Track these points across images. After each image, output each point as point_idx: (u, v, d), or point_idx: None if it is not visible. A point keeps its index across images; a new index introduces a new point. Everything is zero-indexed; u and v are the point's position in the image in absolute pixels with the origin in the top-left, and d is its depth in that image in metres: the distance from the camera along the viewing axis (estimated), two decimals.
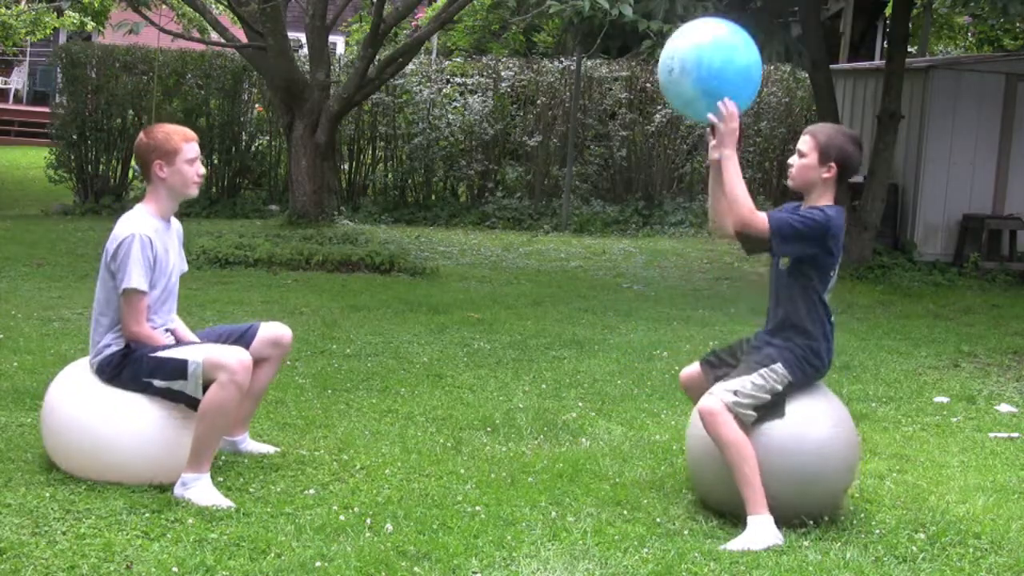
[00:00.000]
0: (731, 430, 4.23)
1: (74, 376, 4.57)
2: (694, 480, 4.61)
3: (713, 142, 4.42)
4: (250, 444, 4.92)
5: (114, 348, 4.45)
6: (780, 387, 4.30)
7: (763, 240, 4.30)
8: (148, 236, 4.41)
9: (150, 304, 4.47)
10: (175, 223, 4.69)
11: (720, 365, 4.53)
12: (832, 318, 4.45)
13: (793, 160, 4.44)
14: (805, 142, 4.41)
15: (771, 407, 4.30)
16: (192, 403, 4.39)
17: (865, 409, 6.33)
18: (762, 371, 4.30)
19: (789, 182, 4.47)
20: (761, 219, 4.26)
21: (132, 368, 4.41)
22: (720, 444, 4.26)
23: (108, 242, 4.45)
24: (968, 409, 6.52)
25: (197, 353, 4.37)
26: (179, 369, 4.35)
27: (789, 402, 4.34)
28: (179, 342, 4.57)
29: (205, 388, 4.35)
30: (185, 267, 4.76)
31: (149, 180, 4.54)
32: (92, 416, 4.39)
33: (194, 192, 4.59)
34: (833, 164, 4.35)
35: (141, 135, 4.58)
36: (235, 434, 4.84)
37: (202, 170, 4.59)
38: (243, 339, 4.70)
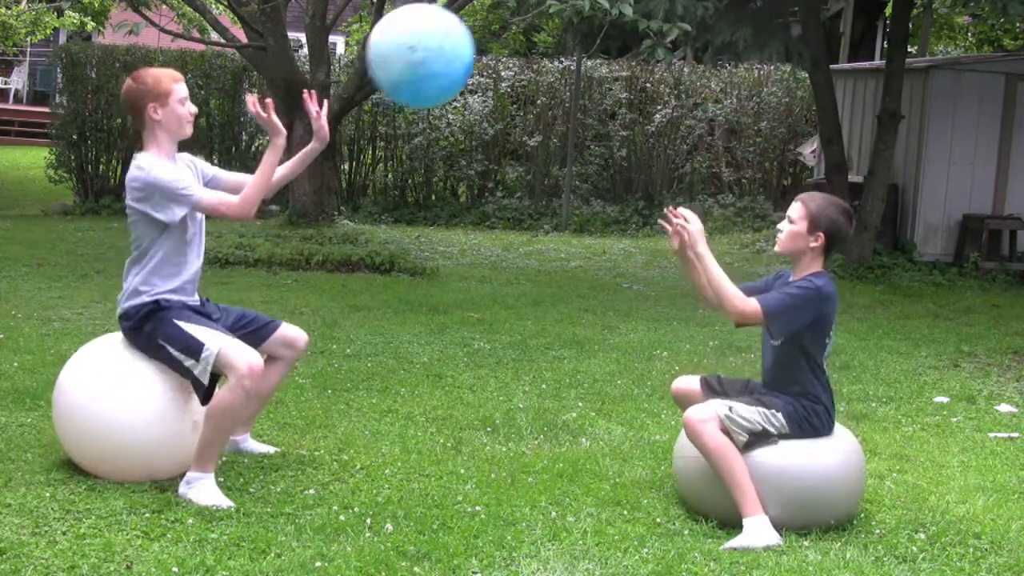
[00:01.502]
0: (713, 437, 4.23)
1: (87, 358, 4.56)
2: (684, 497, 4.59)
3: (671, 235, 4.35)
4: (251, 444, 4.92)
5: (145, 298, 4.43)
6: (775, 433, 4.32)
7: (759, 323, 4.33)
8: (163, 162, 4.41)
9: (189, 239, 4.47)
10: (181, 155, 4.64)
11: (720, 392, 4.53)
12: (830, 385, 4.46)
13: (783, 226, 4.44)
14: (796, 209, 4.41)
15: (763, 437, 4.31)
16: (197, 385, 4.38)
17: (865, 409, 6.33)
18: (763, 410, 4.32)
19: (776, 248, 4.49)
20: (754, 308, 4.26)
21: (154, 325, 4.40)
22: (704, 452, 4.26)
23: (129, 182, 4.42)
24: (968, 409, 6.52)
25: (215, 341, 4.35)
26: (194, 349, 4.34)
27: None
28: (208, 318, 4.54)
29: (212, 377, 4.35)
30: (211, 170, 4.73)
31: (144, 126, 4.50)
32: (98, 402, 4.39)
33: (189, 131, 4.56)
34: (822, 234, 4.36)
35: (129, 81, 4.55)
36: (237, 433, 4.84)
37: (194, 108, 4.57)
38: (263, 330, 4.69)
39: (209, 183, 4.62)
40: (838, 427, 4.51)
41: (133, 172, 4.44)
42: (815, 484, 4.28)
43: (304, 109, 4.75)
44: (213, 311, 4.62)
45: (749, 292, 4.37)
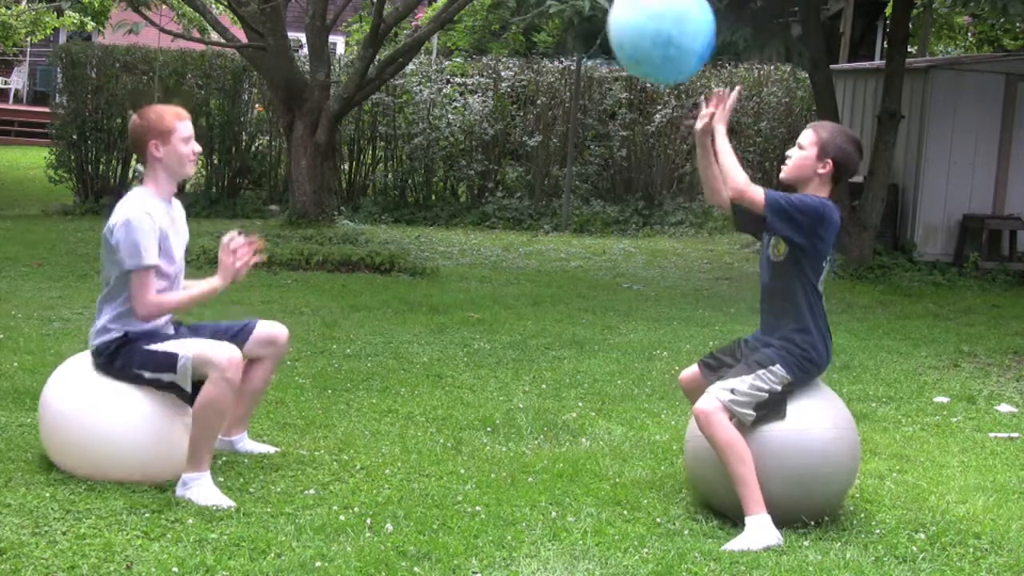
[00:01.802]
0: (725, 430, 4.22)
1: (69, 372, 4.57)
2: (694, 483, 4.60)
3: (704, 114, 4.35)
4: (248, 444, 4.92)
5: (114, 334, 4.44)
6: (779, 387, 4.29)
7: (757, 214, 4.25)
8: (148, 212, 4.40)
9: (166, 287, 4.46)
10: (176, 203, 4.65)
11: (718, 367, 4.52)
12: (824, 308, 4.43)
13: (792, 152, 4.42)
14: (806, 135, 4.40)
15: (771, 408, 4.28)
16: (183, 394, 4.39)
17: (865, 409, 6.32)
18: (760, 372, 4.29)
19: (783, 174, 4.42)
20: (757, 190, 4.23)
21: (124, 358, 4.42)
22: (714, 445, 4.25)
23: (110, 222, 4.41)
24: (968, 409, 6.52)
25: (187, 348, 4.38)
26: (168, 362, 4.36)
27: (790, 403, 4.34)
28: (176, 333, 4.57)
29: (195, 384, 4.36)
30: (187, 237, 4.71)
31: (146, 162, 4.52)
32: (87, 410, 4.40)
33: (191, 171, 4.58)
34: (830, 161, 4.33)
35: (134, 117, 4.57)
36: (232, 434, 4.84)
37: (197, 148, 4.57)
38: (238, 336, 4.68)
39: (164, 252, 4.50)
40: (832, 402, 4.49)
41: (119, 215, 4.41)
42: (813, 459, 4.29)
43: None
44: (185, 333, 4.64)
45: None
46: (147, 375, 4.39)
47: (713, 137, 4.34)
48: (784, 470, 4.27)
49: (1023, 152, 12.58)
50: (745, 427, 4.25)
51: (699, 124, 4.41)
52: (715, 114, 4.35)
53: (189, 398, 4.40)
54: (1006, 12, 10.61)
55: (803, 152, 4.37)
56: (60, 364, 4.71)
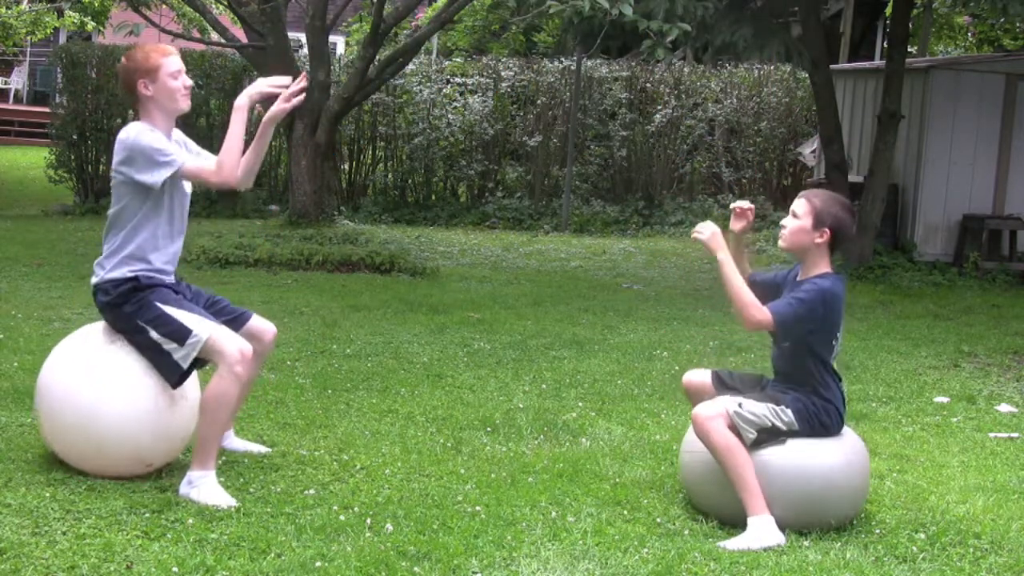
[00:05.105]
0: (721, 434, 4.23)
1: (66, 354, 4.54)
2: (692, 496, 4.59)
3: (700, 234, 4.39)
4: (235, 442, 4.90)
5: (126, 273, 4.38)
6: (784, 428, 4.31)
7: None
8: (152, 126, 4.38)
9: (171, 213, 4.44)
10: (176, 133, 4.61)
11: (732, 387, 4.53)
12: (842, 383, 4.47)
13: (787, 222, 4.44)
14: (800, 205, 4.42)
15: (772, 434, 4.31)
16: (171, 376, 4.35)
17: (865, 409, 6.33)
18: (772, 406, 4.32)
19: (780, 243, 4.47)
20: (766, 316, 4.27)
21: (135, 306, 4.36)
22: (711, 449, 4.26)
23: (116, 145, 4.39)
24: (968, 409, 6.52)
25: (204, 328, 4.33)
26: (180, 333, 4.31)
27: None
28: (193, 301, 4.51)
29: (191, 363, 4.32)
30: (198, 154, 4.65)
31: (138, 101, 4.47)
32: (84, 394, 4.38)
33: (184, 105, 4.51)
34: (827, 230, 4.36)
35: (122, 59, 4.53)
36: None
37: (189, 81, 4.52)
38: (234, 323, 4.62)
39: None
40: (845, 428, 4.51)
41: (120, 135, 4.41)
42: (820, 484, 4.28)
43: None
44: (186, 291, 4.58)
45: (760, 284, 4.42)
46: (153, 334, 4.33)
47: (716, 260, 4.33)
48: (790, 496, 4.25)
49: (1023, 152, 12.59)
50: (745, 444, 4.26)
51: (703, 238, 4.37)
52: (710, 239, 4.32)
53: (174, 380, 4.35)
54: (1006, 12, 10.61)
55: (798, 222, 4.40)
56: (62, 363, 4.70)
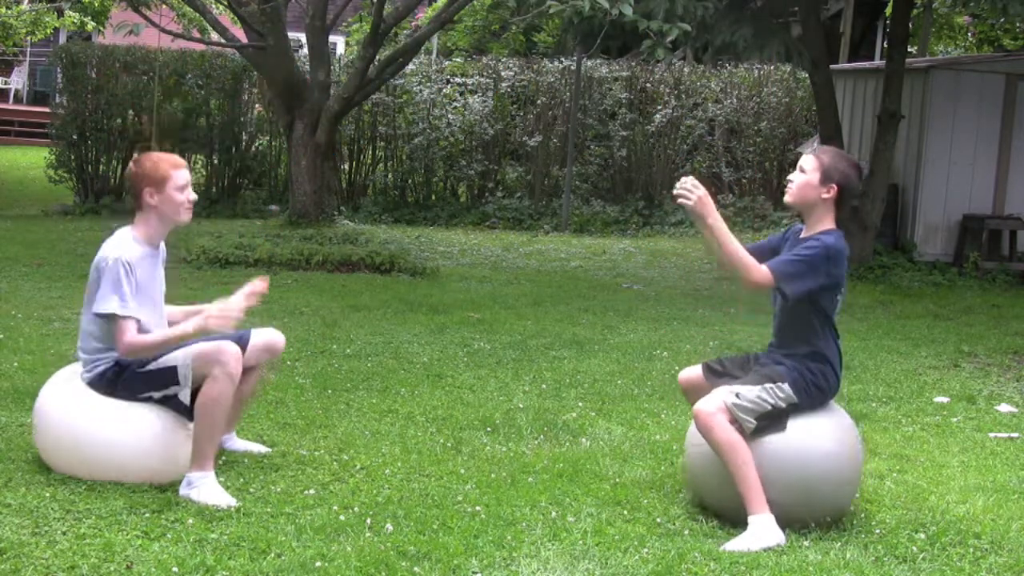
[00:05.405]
0: (724, 431, 4.22)
1: (65, 381, 4.58)
2: (694, 490, 4.59)
3: (692, 216, 4.34)
4: (236, 442, 4.92)
5: (104, 366, 4.47)
6: (783, 405, 4.30)
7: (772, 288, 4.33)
8: (129, 261, 4.41)
9: (142, 328, 4.46)
10: (162, 247, 4.67)
11: (723, 374, 4.52)
12: (839, 341, 4.46)
13: (794, 176, 4.43)
14: (808, 161, 4.42)
15: (772, 420, 4.29)
16: (184, 411, 4.43)
17: (865, 409, 6.33)
18: (768, 385, 4.30)
19: (786, 198, 4.46)
20: (765, 274, 4.26)
21: (126, 385, 4.44)
22: (714, 445, 4.26)
23: (97, 257, 4.44)
24: (968, 409, 6.52)
25: (182, 355, 4.41)
26: (170, 375, 4.40)
27: (793, 415, 4.34)
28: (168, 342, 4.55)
29: (197, 386, 4.37)
30: (163, 287, 4.71)
31: (140, 207, 4.54)
32: (82, 420, 4.41)
33: (186, 218, 4.59)
34: (834, 185, 4.35)
35: (131, 164, 4.62)
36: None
37: (193, 196, 4.58)
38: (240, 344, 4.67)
39: (142, 291, 4.48)
40: (836, 411, 4.49)
41: (105, 251, 4.42)
42: (816, 467, 4.28)
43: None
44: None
45: (755, 251, 4.39)
46: (156, 395, 4.42)
47: (707, 225, 4.27)
48: (785, 481, 4.25)
49: (1023, 152, 12.58)
50: (746, 434, 4.25)
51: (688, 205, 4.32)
52: (698, 204, 4.26)
53: (188, 412, 4.41)
54: (1006, 12, 10.62)
55: (806, 176, 4.39)
56: (61, 366, 4.71)
